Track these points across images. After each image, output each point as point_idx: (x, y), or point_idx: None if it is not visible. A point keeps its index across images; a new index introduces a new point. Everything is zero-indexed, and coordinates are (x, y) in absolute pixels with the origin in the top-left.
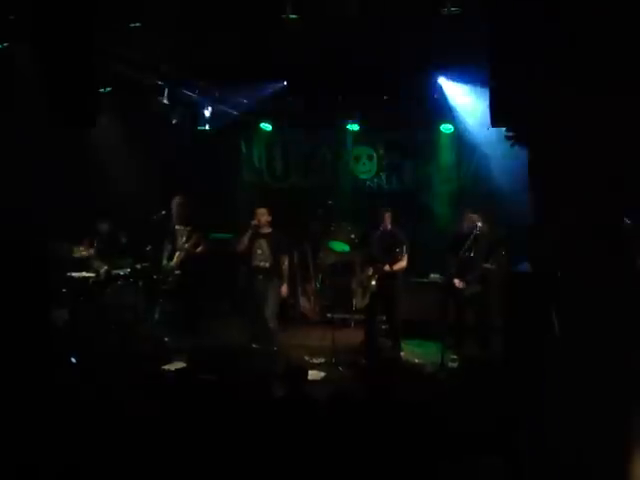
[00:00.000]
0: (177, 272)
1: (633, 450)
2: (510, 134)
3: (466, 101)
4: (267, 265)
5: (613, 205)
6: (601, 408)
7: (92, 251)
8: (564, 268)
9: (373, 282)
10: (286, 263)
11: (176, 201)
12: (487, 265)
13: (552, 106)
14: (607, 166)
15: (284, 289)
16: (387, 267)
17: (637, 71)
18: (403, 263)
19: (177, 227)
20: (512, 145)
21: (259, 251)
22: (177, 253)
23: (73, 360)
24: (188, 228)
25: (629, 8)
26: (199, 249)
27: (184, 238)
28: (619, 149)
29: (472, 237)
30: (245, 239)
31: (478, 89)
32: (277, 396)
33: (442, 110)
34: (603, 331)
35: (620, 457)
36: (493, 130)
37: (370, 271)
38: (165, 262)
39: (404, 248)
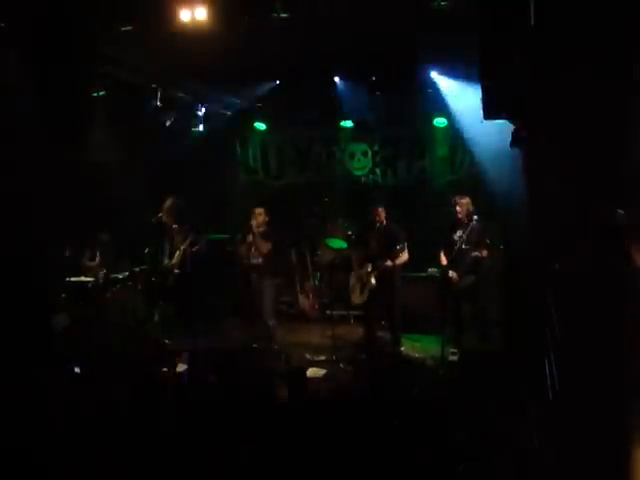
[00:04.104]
0: (176, 271)
1: (633, 446)
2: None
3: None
4: (260, 262)
5: (607, 200)
6: (600, 403)
7: (95, 261)
8: (561, 262)
9: (373, 279)
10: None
11: (167, 204)
12: (476, 253)
13: (545, 101)
14: (601, 162)
15: None
16: (389, 262)
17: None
18: (405, 257)
19: (174, 226)
20: (511, 146)
21: (253, 249)
22: (177, 252)
23: (77, 370)
24: (184, 226)
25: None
26: (195, 248)
27: (181, 237)
28: (612, 145)
29: (468, 229)
30: (248, 241)
31: (469, 83)
32: (279, 395)
33: (435, 104)
34: (601, 325)
35: (621, 453)
36: (487, 123)
37: (369, 267)
38: (166, 261)
39: (404, 245)
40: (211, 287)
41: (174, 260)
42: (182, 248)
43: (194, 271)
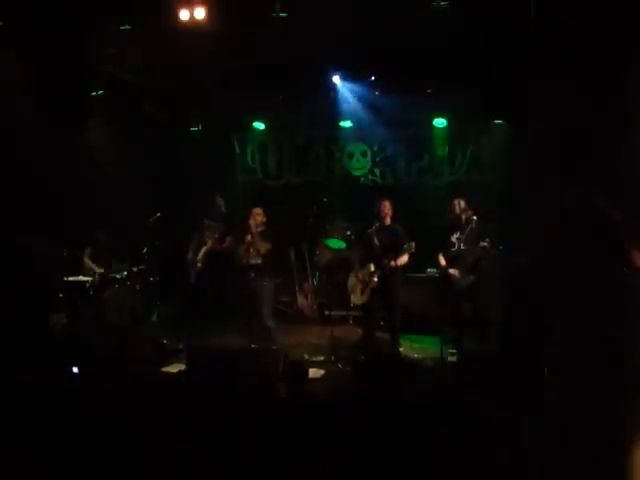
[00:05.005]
0: (199, 265)
1: (632, 445)
2: None
3: None
4: (258, 262)
5: (606, 199)
6: (600, 402)
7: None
8: (559, 262)
9: (376, 279)
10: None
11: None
12: (484, 244)
13: (543, 101)
14: (601, 162)
15: None
16: (392, 263)
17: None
18: (405, 257)
19: (207, 222)
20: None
21: (252, 250)
22: (204, 248)
23: (75, 370)
24: (219, 224)
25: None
26: (225, 244)
27: (215, 234)
28: (611, 145)
29: (466, 231)
30: (246, 241)
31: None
32: (279, 396)
33: (434, 104)
34: (601, 325)
35: (620, 452)
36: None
37: (372, 267)
38: (191, 255)
39: (412, 245)
40: (212, 287)
41: (199, 255)
42: (209, 244)
43: (213, 268)
